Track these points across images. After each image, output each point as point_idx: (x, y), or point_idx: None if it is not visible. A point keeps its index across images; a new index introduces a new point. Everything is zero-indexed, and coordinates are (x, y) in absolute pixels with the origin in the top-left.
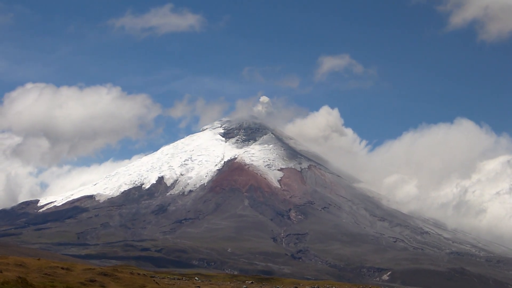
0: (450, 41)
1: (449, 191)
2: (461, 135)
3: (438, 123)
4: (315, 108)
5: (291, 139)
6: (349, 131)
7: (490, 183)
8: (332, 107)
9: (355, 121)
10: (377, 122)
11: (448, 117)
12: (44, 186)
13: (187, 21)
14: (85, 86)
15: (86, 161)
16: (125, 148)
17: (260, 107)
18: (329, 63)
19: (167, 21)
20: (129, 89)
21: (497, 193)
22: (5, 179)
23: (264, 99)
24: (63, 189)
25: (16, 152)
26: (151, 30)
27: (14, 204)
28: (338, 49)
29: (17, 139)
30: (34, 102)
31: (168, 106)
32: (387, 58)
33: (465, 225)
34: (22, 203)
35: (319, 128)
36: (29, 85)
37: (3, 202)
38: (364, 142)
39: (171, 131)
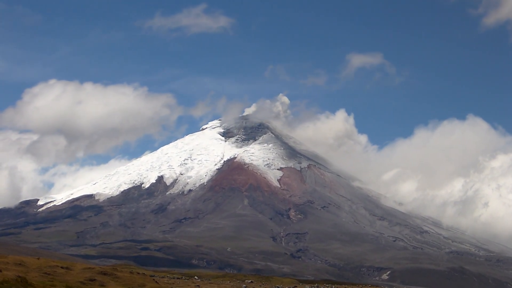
0: (482, 43)
1: (452, 189)
2: (474, 134)
3: (452, 122)
4: (337, 106)
5: (290, 138)
6: (363, 138)
7: (495, 181)
8: (354, 107)
9: (374, 120)
10: (398, 120)
11: (464, 117)
12: (55, 185)
13: (218, 23)
14: (110, 84)
15: (103, 159)
16: (144, 146)
17: (279, 107)
18: (359, 61)
19: (198, 22)
20: (153, 88)
21: (499, 192)
22: (14, 177)
23: (284, 99)
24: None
25: (30, 150)
26: (180, 30)
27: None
28: (370, 47)
29: (33, 137)
30: (54, 99)
31: (190, 105)
32: (418, 59)
33: (465, 224)
34: (22, 202)
35: (332, 135)
36: (52, 81)
37: (8, 200)
38: (375, 147)
39: (192, 130)
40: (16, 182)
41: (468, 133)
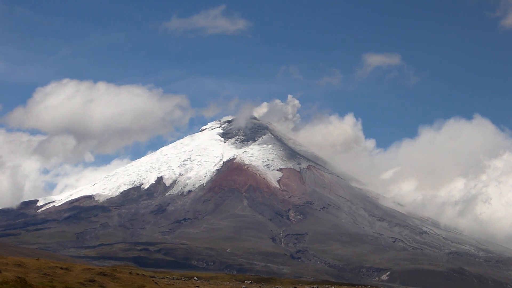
0: (500, 45)
1: (453, 190)
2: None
3: (459, 122)
4: (348, 107)
5: (290, 139)
6: (370, 143)
7: (497, 181)
8: (366, 108)
9: (384, 121)
10: (407, 121)
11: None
12: (58, 185)
13: (236, 25)
14: (123, 84)
15: (107, 160)
16: (154, 147)
17: (289, 109)
18: (376, 61)
19: (215, 23)
20: (167, 89)
21: (500, 192)
22: (17, 177)
23: (294, 101)
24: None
25: (38, 150)
26: (196, 32)
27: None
28: (388, 48)
29: (41, 136)
30: (65, 98)
31: (203, 106)
32: (435, 60)
33: (465, 224)
34: (22, 203)
35: (338, 141)
36: (65, 80)
37: (10, 200)
38: (381, 149)
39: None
40: (19, 182)
41: (474, 133)
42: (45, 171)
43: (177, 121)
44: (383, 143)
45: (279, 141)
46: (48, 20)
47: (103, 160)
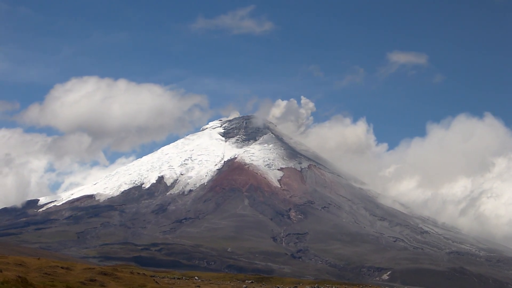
0: None
1: (454, 189)
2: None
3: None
4: (365, 108)
5: (291, 138)
6: (382, 148)
7: (500, 180)
8: (382, 109)
9: (398, 122)
10: (419, 120)
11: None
12: (66, 184)
13: (262, 26)
14: (143, 82)
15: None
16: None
17: (303, 110)
18: (402, 59)
19: (241, 24)
20: (189, 88)
21: (503, 192)
22: (24, 176)
23: (308, 103)
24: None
25: (51, 149)
26: (221, 32)
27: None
28: (415, 47)
29: (57, 135)
30: (83, 96)
31: (221, 106)
32: (460, 61)
33: (466, 224)
34: (23, 202)
35: (348, 147)
36: (85, 78)
37: (15, 199)
38: (391, 152)
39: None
40: (25, 181)
41: (485, 132)
42: (53, 170)
43: (196, 120)
44: (395, 141)
45: (280, 140)
46: (50, 19)
47: (115, 158)
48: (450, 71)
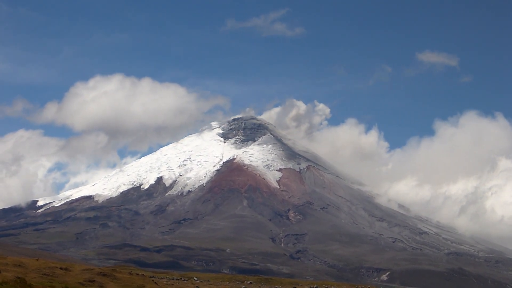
0: None
1: (454, 190)
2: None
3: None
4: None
5: (289, 139)
6: (396, 155)
7: (501, 181)
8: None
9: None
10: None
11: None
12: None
13: (293, 30)
14: (166, 81)
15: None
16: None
17: (318, 118)
18: (431, 59)
19: (271, 27)
20: (212, 89)
21: (504, 192)
22: (30, 176)
23: (324, 108)
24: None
25: (65, 149)
26: (250, 34)
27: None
28: (446, 48)
29: (75, 135)
30: (102, 94)
31: (242, 107)
32: (488, 62)
33: (465, 224)
34: (23, 203)
35: (357, 154)
36: (113, 76)
37: (19, 198)
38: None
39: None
40: (31, 181)
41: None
42: (61, 170)
43: (216, 121)
44: (402, 141)
45: (279, 141)
46: (51, 20)
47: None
48: (479, 73)
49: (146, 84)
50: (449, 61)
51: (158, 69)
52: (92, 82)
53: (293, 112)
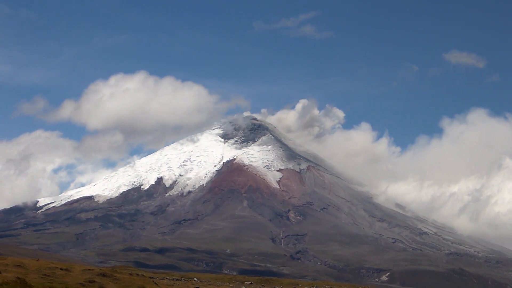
0: None
1: (454, 190)
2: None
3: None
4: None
5: (290, 140)
6: (406, 159)
7: (503, 181)
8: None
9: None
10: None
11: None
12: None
13: (321, 34)
14: (187, 80)
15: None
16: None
17: (329, 122)
18: (457, 59)
19: (298, 29)
20: (232, 89)
21: (505, 192)
22: (39, 177)
23: (338, 113)
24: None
25: (79, 149)
26: (275, 35)
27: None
28: (473, 48)
29: (91, 134)
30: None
31: (261, 108)
32: None
33: (465, 225)
34: (22, 203)
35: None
36: (139, 74)
37: (25, 198)
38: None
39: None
40: (36, 181)
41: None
42: (71, 169)
43: (233, 121)
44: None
45: (279, 141)
46: (52, 22)
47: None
48: (503, 75)
49: (168, 83)
50: (475, 61)
51: (179, 70)
52: (112, 80)
53: (307, 117)
